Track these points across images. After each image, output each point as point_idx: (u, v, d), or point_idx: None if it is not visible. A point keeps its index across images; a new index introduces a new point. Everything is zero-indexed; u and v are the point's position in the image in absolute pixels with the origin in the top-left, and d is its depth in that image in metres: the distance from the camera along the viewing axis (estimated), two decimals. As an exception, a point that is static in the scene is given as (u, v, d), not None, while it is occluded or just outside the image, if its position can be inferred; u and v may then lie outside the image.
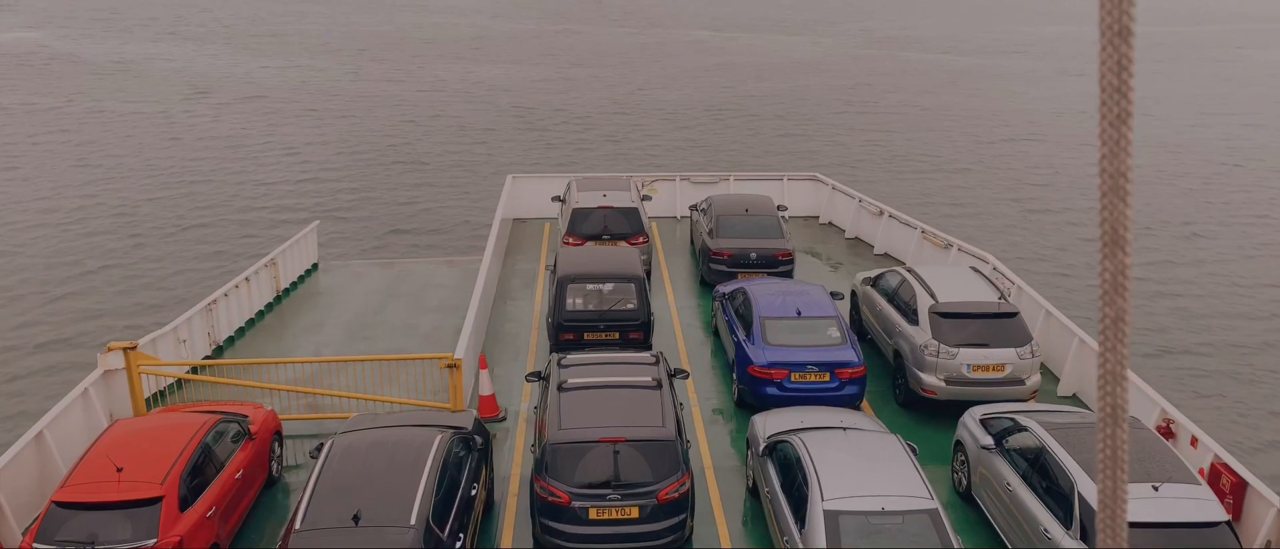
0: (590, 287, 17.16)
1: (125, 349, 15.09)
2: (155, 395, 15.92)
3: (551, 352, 16.53)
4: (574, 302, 17.02)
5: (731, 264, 20.77)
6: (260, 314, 20.66)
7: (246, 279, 20.17)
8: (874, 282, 18.47)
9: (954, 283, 16.87)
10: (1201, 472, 12.48)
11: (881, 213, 24.40)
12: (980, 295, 16.40)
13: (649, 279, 19.97)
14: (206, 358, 18.04)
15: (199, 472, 11.83)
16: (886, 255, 23.89)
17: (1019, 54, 72.36)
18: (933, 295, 16.23)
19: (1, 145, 43.13)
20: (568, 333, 16.85)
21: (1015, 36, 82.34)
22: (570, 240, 20.99)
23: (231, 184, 38.67)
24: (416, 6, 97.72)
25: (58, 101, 51.99)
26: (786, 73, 62.66)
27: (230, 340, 19.21)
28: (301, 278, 22.98)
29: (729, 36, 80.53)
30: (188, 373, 16.51)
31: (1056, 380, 16.92)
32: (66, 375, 22.65)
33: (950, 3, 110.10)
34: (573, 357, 14.31)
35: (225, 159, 41.98)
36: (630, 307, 17.03)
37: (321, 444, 11.98)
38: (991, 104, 53.75)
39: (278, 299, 21.55)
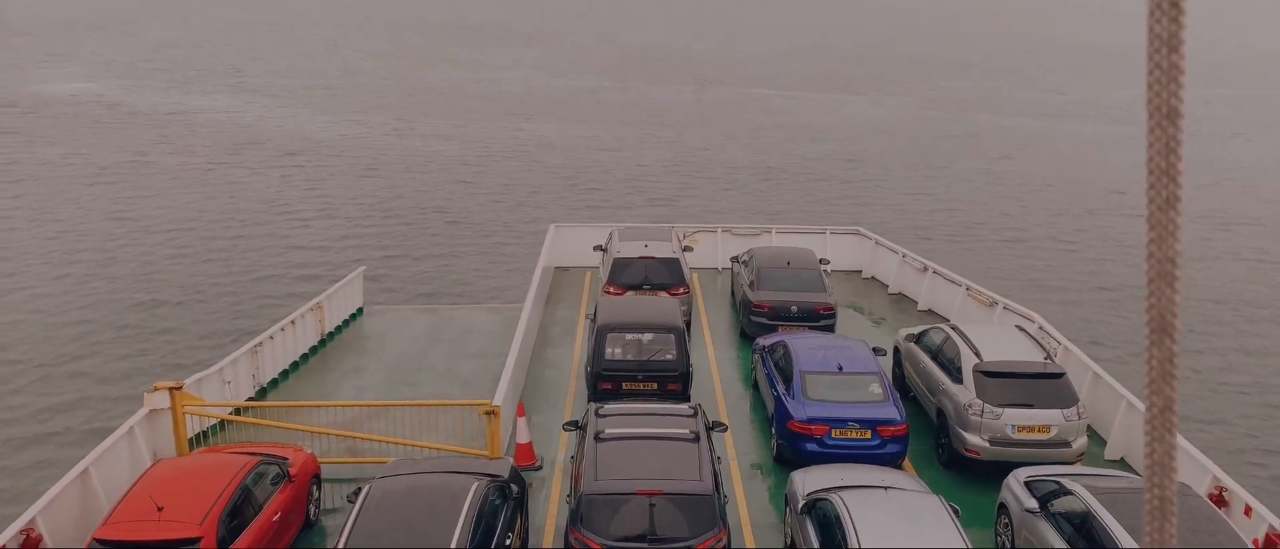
0: (630, 336, 17.15)
1: (171, 389, 15.30)
2: (198, 435, 16.09)
3: (589, 401, 16.50)
4: (613, 351, 17.00)
5: (772, 317, 20.65)
6: (304, 357, 20.88)
7: (292, 322, 20.42)
8: (917, 338, 18.27)
9: (999, 342, 16.65)
10: (1255, 543, 12.09)
11: (926, 269, 24.19)
12: (1026, 355, 16.16)
13: (689, 330, 19.92)
14: (250, 399, 18.23)
15: (238, 513, 11.90)
16: (930, 312, 23.64)
17: (1094, 119, 69.86)
18: (977, 354, 16.01)
19: (52, 193, 44.13)
20: (606, 382, 16.82)
21: (1094, 100, 79.83)
22: (611, 289, 21.03)
23: (280, 230, 39.33)
24: (473, 63, 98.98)
25: (106, 150, 53.16)
26: (846, 133, 61.64)
27: (274, 382, 19.41)
28: (346, 321, 23.23)
29: (788, 94, 79.59)
30: (231, 414, 16.69)
31: (1103, 443, 16.54)
32: (114, 413, 23.02)
33: (1022, 63, 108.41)
34: (610, 406, 14.27)
35: (275, 206, 42.72)
36: (669, 357, 16.98)
37: (359, 489, 12.02)
38: (1054, 169, 52.25)
39: (322, 342, 21.77)
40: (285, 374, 19.91)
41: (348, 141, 57.18)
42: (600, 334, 17.15)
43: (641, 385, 16.78)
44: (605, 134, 59.83)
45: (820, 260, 22.75)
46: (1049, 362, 16.07)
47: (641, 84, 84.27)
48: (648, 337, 17.16)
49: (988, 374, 15.52)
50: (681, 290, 21.20)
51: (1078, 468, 14.20)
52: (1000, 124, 66.59)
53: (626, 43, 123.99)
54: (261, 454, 13.52)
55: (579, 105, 71.66)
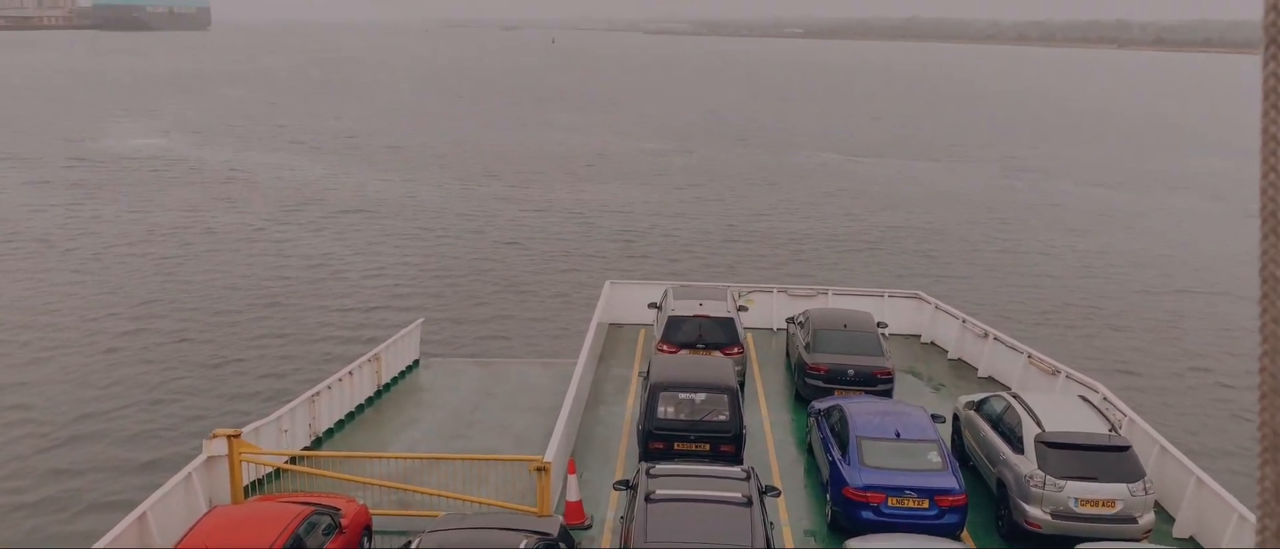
0: (683, 396, 17.03)
1: (229, 436, 15.49)
2: (254, 483, 16.25)
3: (641, 460, 16.36)
4: (666, 410, 16.89)
5: (828, 380, 20.38)
6: (360, 407, 21.05)
7: (349, 372, 20.64)
8: (977, 406, 17.90)
9: (1062, 411, 16.27)
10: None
11: (986, 335, 23.77)
12: (1090, 426, 15.74)
13: (743, 391, 19.74)
14: (305, 448, 18.38)
15: (289, 563, 11.94)
16: (991, 379, 23.18)
17: (1180, 190, 67.52)
18: (1039, 423, 15.65)
19: (119, 242, 45.34)
20: (658, 442, 16.68)
21: (1179, 170, 77.28)
22: (664, 348, 20.96)
23: (340, 283, 39.95)
24: (541, 123, 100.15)
25: (169, 203, 54.58)
26: (915, 200, 60.36)
27: (330, 432, 19.57)
28: (403, 373, 23.42)
29: (857, 160, 78.30)
30: (286, 463, 16.84)
31: (1171, 521, 15.97)
32: (172, 457, 23.37)
33: (1105, 131, 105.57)
34: (662, 467, 14.13)
35: (336, 260, 43.38)
36: (722, 418, 16.81)
37: (409, 542, 12.00)
38: (1128, 242, 50.52)
39: (378, 393, 21.96)
40: (341, 424, 20.08)
41: (410, 199, 58.10)
42: (653, 393, 17.06)
43: (694, 446, 16.61)
44: (666, 197, 59.67)
45: (878, 324, 22.47)
46: (1114, 433, 15.64)
47: (707, 148, 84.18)
48: (701, 396, 17.02)
49: (1050, 444, 15.15)
50: (736, 350, 21.06)
51: (1144, 545, 13.73)
52: (1078, 194, 64.82)
53: (696, 109, 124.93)
54: (315, 504, 13.60)
55: (642, 168, 71.80)
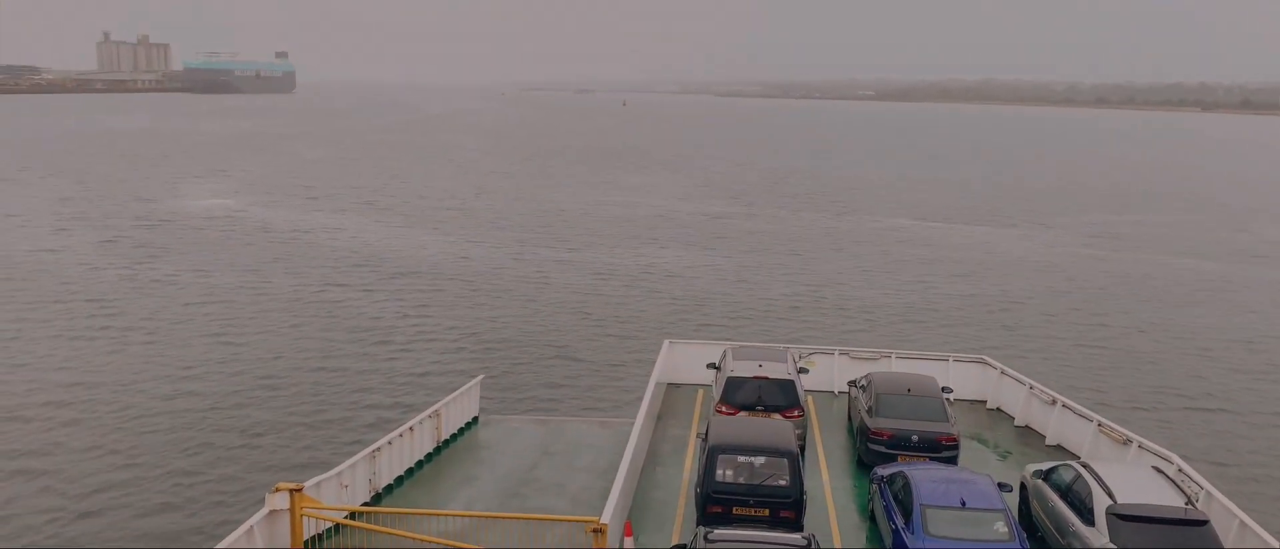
0: (742, 459, 16.82)
1: (291, 490, 15.70)
2: (315, 537, 16.40)
3: (698, 524, 16.15)
4: (724, 473, 16.69)
5: (891, 445, 19.98)
6: (420, 464, 21.20)
7: (410, 428, 20.83)
8: (1046, 475, 17.37)
9: (1135, 483, 15.70)
10: None
11: (1054, 402, 23.13)
12: (1164, 498, 15.16)
13: (803, 455, 19.43)
14: (365, 504, 18.53)
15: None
16: (1059, 447, 22.50)
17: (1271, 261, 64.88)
18: (1111, 495, 15.12)
19: (187, 297, 46.52)
20: (716, 506, 16.46)
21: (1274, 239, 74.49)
22: (723, 409, 20.78)
23: (402, 340, 40.48)
24: (605, 184, 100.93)
25: (236, 261, 55.92)
26: (991, 269, 58.51)
27: (389, 488, 19.72)
28: (462, 430, 23.58)
29: (931, 226, 76.44)
30: (346, 518, 16.98)
31: (1253, 601, 15.23)
32: (235, 507, 23.80)
33: (1193, 198, 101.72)
34: (720, 532, 13.93)
35: (398, 318, 43.98)
36: (782, 483, 16.55)
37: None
38: (1211, 314, 48.44)
39: (437, 450, 22.11)
40: (401, 480, 20.22)
41: (471, 257, 58.79)
42: (711, 455, 16.89)
43: (753, 511, 16.35)
44: (728, 261, 59.17)
45: (942, 388, 22.02)
46: (1190, 507, 15.02)
47: (772, 210, 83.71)
48: (760, 460, 16.79)
49: (1123, 517, 14.60)
50: (796, 413, 20.79)
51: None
52: (1167, 263, 62.44)
53: (762, 169, 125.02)
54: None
55: (704, 230, 71.55)
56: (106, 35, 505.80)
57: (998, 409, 25.28)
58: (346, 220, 72.82)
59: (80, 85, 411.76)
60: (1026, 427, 23.99)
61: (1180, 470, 18.05)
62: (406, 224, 71.73)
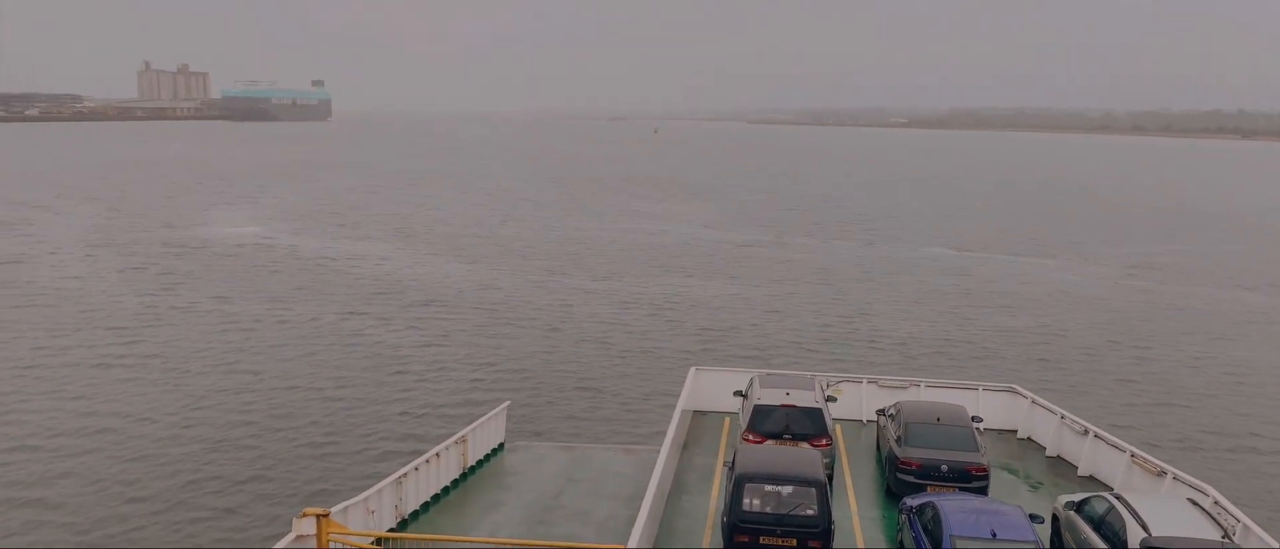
0: (769, 488, 16.70)
1: (318, 516, 15.76)
2: (340, 563, 16.42)
3: (724, 554, 16.04)
4: (751, 502, 16.57)
5: (920, 475, 19.74)
6: (446, 490, 21.23)
7: (437, 454, 20.88)
8: (1078, 507, 17.09)
9: (1170, 515, 15.40)
10: None
11: (1087, 432, 22.77)
12: (1200, 531, 14.85)
13: (831, 485, 19.25)
14: (391, 530, 18.55)
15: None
16: (1091, 479, 22.13)
17: None
18: (1145, 527, 14.85)
19: (206, 327, 46.81)
20: (743, 535, 16.35)
21: None
22: (750, 437, 20.65)
23: (428, 365, 40.65)
24: (633, 212, 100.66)
25: (264, 286, 56.38)
26: (1028, 300, 57.00)
27: (415, 514, 19.75)
28: (488, 456, 23.60)
29: (970, 256, 74.75)
30: (373, 544, 17.01)
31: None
32: (261, 533, 23.90)
33: (1238, 225, 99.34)
34: None
35: (423, 344, 44.06)
36: (810, 512, 16.41)
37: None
38: (1258, 349, 47.15)
39: (463, 476, 22.13)
40: (427, 506, 20.25)
41: (497, 284, 58.83)
42: (738, 484, 16.78)
43: (780, 541, 16.22)
44: (755, 290, 58.52)
45: (972, 418, 21.77)
46: (1227, 541, 14.70)
47: (803, 239, 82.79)
48: (788, 489, 16.66)
49: (1157, 551, 14.32)
50: (824, 442, 20.60)
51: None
52: (1209, 295, 60.92)
53: (794, 197, 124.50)
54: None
55: (732, 258, 71.05)
56: (147, 64, 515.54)
57: (1028, 439, 24.94)
58: (373, 248, 73.33)
59: (121, 113, 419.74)
60: (1058, 457, 23.63)
61: (1217, 503, 17.68)
62: (432, 251, 72.11)
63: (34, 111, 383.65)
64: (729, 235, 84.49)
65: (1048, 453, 23.91)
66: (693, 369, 27.30)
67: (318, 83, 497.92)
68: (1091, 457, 22.42)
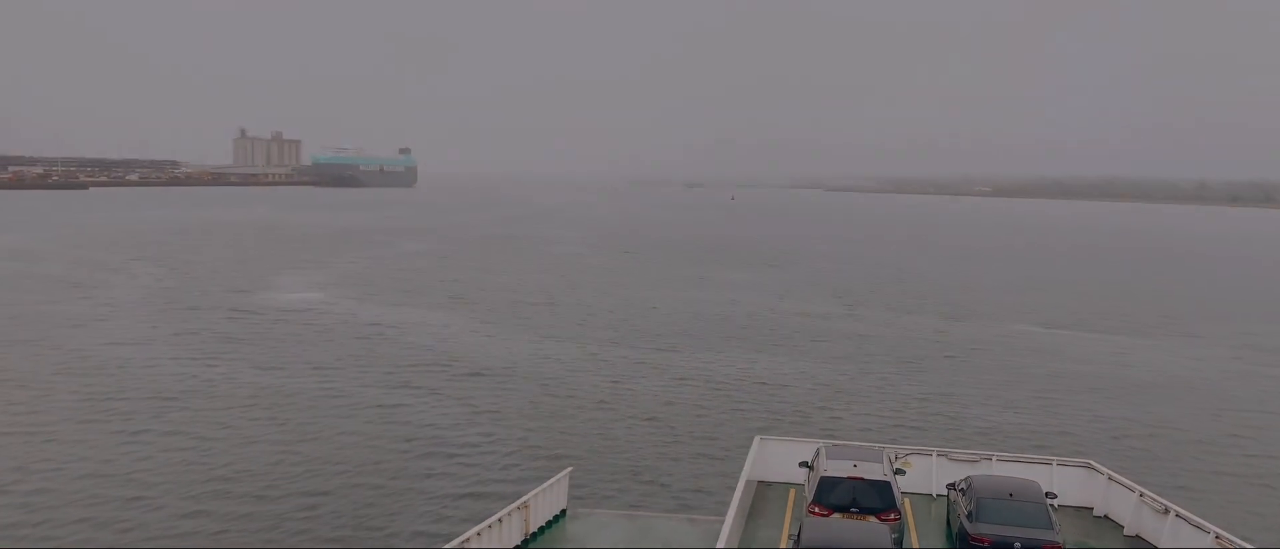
0: None
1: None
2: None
3: (784, 628, 15.65)
4: (815, 577, 16.20)
5: (992, 553, 19.15)
6: None
7: (498, 520, 20.86)
8: (1157, 591, 16.31)
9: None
10: None
11: (1167, 511, 21.82)
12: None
13: (898, 560, 18.73)
14: (451, 594, 18.52)
15: None
16: None
17: None
18: (1227, 616, 14.07)
19: (266, 391, 47.21)
20: None
21: None
22: (816, 510, 20.31)
23: (490, 431, 40.73)
24: (704, 281, 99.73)
25: (316, 355, 56.62)
26: (1122, 383, 53.80)
27: None
28: (550, 522, 23.49)
29: (1062, 333, 71.13)
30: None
31: None
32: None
33: None
34: None
35: (484, 413, 43.97)
36: (875, 588, 15.98)
37: None
38: None
39: (525, 543, 22.03)
40: None
41: (562, 352, 58.68)
42: (802, 558, 16.43)
43: None
44: (824, 366, 56.80)
45: (1046, 494, 21.12)
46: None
47: (878, 312, 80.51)
48: None
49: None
50: (893, 516, 20.17)
51: None
52: None
53: (870, 266, 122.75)
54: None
55: (803, 330, 69.62)
56: (242, 131, 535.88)
57: (1105, 517, 23.99)
58: (436, 315, 73.07)
59: (216, 178, 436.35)
60: (1137, 536, 22.66)
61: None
62: (494, 318, 72.06)
63: (134, 177, 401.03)
64: (800, 305, 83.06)
65: (1126, 532, 22.96)
66: (758, 438, 26.96)
67: (404, 150, 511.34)
68: (1172, 537, 21.46)
